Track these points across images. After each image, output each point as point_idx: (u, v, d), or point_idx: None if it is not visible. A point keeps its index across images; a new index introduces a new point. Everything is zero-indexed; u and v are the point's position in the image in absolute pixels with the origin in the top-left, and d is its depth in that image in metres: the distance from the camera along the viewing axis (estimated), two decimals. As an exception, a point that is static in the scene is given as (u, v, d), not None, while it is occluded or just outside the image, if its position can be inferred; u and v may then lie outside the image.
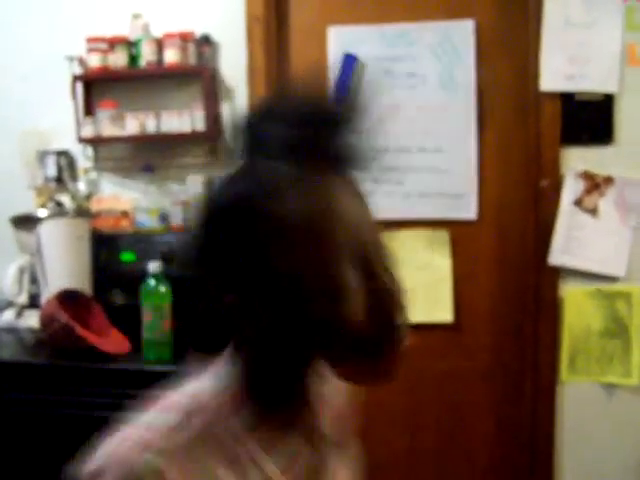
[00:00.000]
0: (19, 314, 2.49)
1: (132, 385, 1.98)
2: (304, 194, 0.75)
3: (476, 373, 2.59)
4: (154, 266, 2.14)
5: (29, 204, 2.62)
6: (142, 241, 2.47)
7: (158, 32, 2.55)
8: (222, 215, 0.76)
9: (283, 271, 0.74)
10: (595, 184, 2.37)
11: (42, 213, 2.46)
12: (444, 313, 2.56)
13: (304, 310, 0.74)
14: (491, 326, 2.57)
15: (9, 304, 2.56)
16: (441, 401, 2.62)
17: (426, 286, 2.55)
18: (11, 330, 2.49)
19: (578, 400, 2.45)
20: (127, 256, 2.49)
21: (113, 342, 2.26)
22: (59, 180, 2.61)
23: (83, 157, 2.68)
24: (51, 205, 2.50)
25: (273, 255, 0.74)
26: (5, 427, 2.19)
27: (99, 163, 2.69)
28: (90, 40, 2.55)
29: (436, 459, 2.64)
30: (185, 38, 2.51)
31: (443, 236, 2.54)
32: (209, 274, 0.78)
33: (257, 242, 0.74)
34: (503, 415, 2.59)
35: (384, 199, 2.55)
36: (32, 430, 2.15)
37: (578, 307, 2.41)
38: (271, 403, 0.81)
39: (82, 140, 2.60)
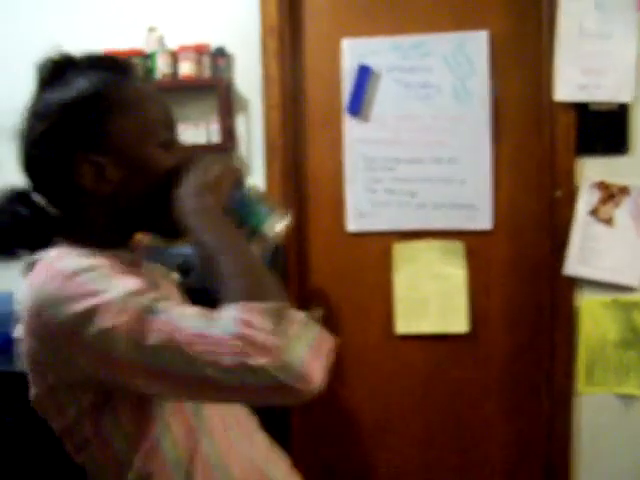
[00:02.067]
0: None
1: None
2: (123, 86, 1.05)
3: (491, 384, 2.58)
4: (170, 278, 2.15)
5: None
6: (158, 253, 2.48)
7: (173, 45, 2.57)
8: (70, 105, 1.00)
9: (120, 138, 1.01)
10: (610, 194, 2.36)
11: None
12: (459, 323, 2.56)
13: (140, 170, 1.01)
14: (506, 337, 2.56)
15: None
16: (456, 412, 2.61)
17: (441, 296, 2.55)
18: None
19: (595, 411, 2.44)
20: (143, 267, 2.50)
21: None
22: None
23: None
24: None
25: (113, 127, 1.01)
26: (24, 437, 2.20)
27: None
28: (106, 53, 2.57)
29: (451, 470, 2.63)
30: (200, 50, 2.53)
31: (458, 247, 2.54)
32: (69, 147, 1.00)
33: (101, 119, 1.00)
34: (519, 427, 2.58)
35: (398, 210, 2.56)
36: (52, 439, 2.16)
37: (594, 318, 2.40)
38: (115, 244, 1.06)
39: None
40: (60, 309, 0.87)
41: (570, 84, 2.35)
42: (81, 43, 2.70)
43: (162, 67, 2.54)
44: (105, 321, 0.86)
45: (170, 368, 0.85)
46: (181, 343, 0.84)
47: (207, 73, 2.55)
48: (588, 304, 2.41)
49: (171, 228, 1.03)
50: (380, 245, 2.59)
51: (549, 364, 2.47)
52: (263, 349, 0.83)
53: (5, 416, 2.22)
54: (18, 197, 1.07)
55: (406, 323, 2.58)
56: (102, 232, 1.03)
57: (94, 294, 0.88)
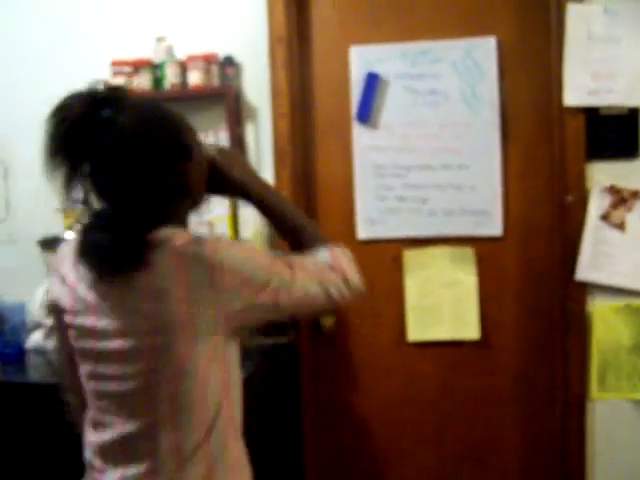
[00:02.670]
0: (47, 335, 2.51)
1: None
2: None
3: (504, 391, 2.57)
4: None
5: (58, 226, 2.65)
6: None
7: (182, 54, 2.58)
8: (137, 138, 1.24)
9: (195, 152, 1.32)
10: (621, 198, 2.35)
11: (69, 235, 2.49)
12: (470, 330, 2.55)
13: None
14: (518, 343, 2.55)
15: (37, 325, 2.58)
16: (468, 419, 2.60)
17: (452, 303, 2.55)
18: (40, 351, 2.51)
19: (609, 418, 2.42)
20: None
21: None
22: (86, 202, 2.63)
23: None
24: (78, 227, 2.52)
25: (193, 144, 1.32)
26: (35, 447, 2.20)
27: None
28: (115, 63, 2.59)
29: (464, 477, 2.62)
30: (209, 60, 2.54)
31: (468, 253, 2.53)
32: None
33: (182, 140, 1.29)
34: (532, 433, 2.56)
35: (409, 217, 2.55)
36: (63, 450, 2.16)
37: (607, 323, 2.39)
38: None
39: (108, 162, 2.62)
40: (239, 260, 1.24)
41: (580, 89, 2.34)
42: (90, 53, 2.73)
43: (171, 77, 2.55)
44: (269, 266, 1.28)
45: (309, 290, 1.32)
46: (312, 273, 1.34)
47: (216, 82, 2.56)
48: (600, 309, 2.40)
49: (197, 202, 1.40)
50: (391, 252, 2.58)
51: (562, 370, 2.45)
52: (351, 275, 1.39)
53: (17, 426, 2.23)
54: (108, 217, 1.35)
55: (418, 330, 2.57)
56: (184, 218, 1.38)
57: (255, 248, 1.37)
